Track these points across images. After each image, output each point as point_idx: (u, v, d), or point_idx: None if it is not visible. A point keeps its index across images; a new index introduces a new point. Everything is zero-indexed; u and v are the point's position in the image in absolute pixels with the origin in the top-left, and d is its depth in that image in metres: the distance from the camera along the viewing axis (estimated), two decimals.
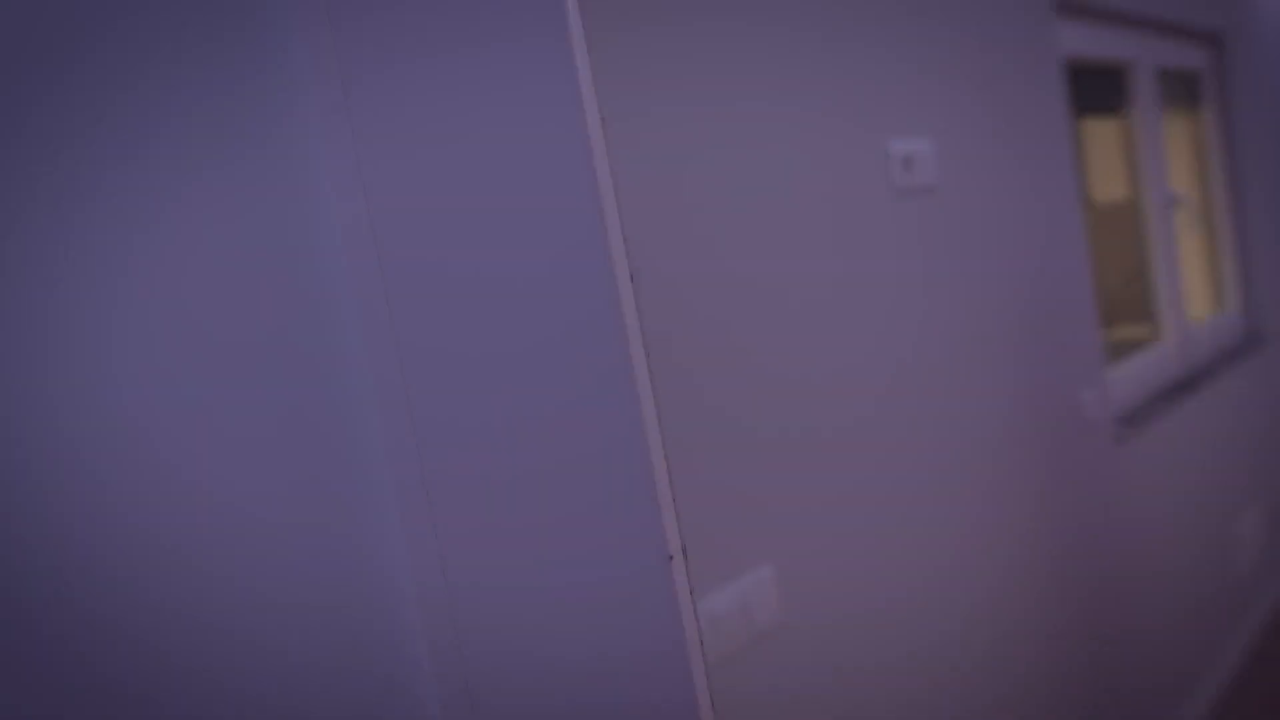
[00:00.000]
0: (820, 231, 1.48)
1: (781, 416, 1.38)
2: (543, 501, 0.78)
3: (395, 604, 0.86)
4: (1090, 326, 2.24)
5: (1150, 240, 2.75)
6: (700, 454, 1.26)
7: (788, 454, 1.38)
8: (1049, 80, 2.16)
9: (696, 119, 1.29)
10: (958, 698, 1.66)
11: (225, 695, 0.73)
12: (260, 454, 0.77)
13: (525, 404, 0.75)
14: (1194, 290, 3.07)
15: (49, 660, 0.64)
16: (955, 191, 1.81)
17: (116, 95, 0.72)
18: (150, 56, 0.74)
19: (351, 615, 0.82)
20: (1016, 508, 1.89)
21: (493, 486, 0.79)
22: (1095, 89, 2.69)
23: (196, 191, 0.74)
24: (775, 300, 1.39)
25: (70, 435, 0.66)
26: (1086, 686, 2.05)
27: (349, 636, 0.82)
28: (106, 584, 0.67)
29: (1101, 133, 2.78)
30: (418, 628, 0.87)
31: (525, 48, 0.70)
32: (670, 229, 1.25)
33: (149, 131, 0.73)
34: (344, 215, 0.83)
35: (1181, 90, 3.09)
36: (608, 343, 0.70)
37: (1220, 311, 3.18)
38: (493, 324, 0.76)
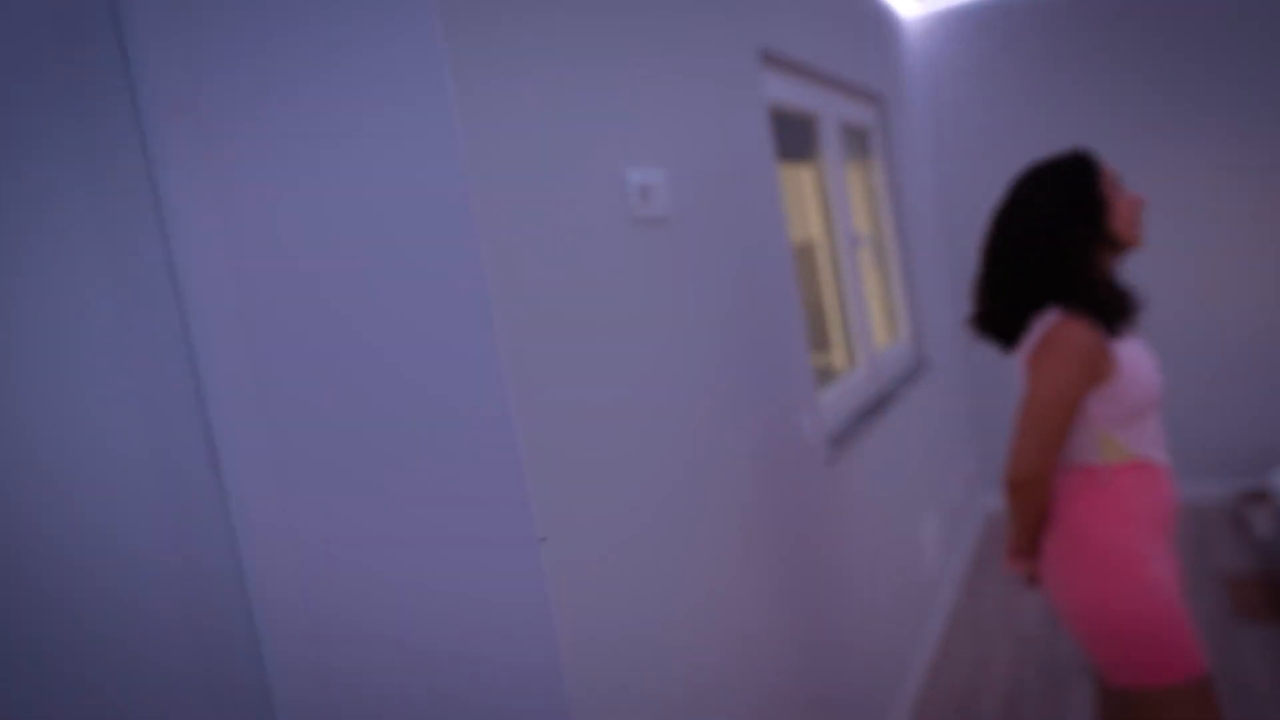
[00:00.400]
0: (561, 257, 1.41)
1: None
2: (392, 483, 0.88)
3: (245, 573, 0.88)
4: (803, 354, 2.38)
5: (841, 276, 3.00)
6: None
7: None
8: (759, 124, 2.27)
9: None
10: (674, 713, 1.63)
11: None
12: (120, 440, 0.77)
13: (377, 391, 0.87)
14: (875, 322, 3.40)
15: None
16: (687, 222, 1.83)
17: None
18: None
19: (203, 588, 0.83)
20: (747, 534, 1.92)
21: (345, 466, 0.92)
22: (789, 138, 2.91)
23: (64, 204, 0.75)
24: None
25: None
26: (804, 696, 2.13)
27: (207, 613, 0.85)
28: None
29: (791, 178, 3.01)
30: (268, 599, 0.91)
31: None
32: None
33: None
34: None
35: (852, 144, 3.45)
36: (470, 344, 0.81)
37: (894, 341, 3.55)
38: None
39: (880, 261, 3.52)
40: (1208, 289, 3.92)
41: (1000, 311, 1.75)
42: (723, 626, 1.74)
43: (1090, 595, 1.65)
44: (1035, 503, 1.69)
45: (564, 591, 1.26)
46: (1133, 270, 3.90)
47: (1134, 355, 1.65)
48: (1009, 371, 4.17)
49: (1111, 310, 1.65)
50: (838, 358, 3.09)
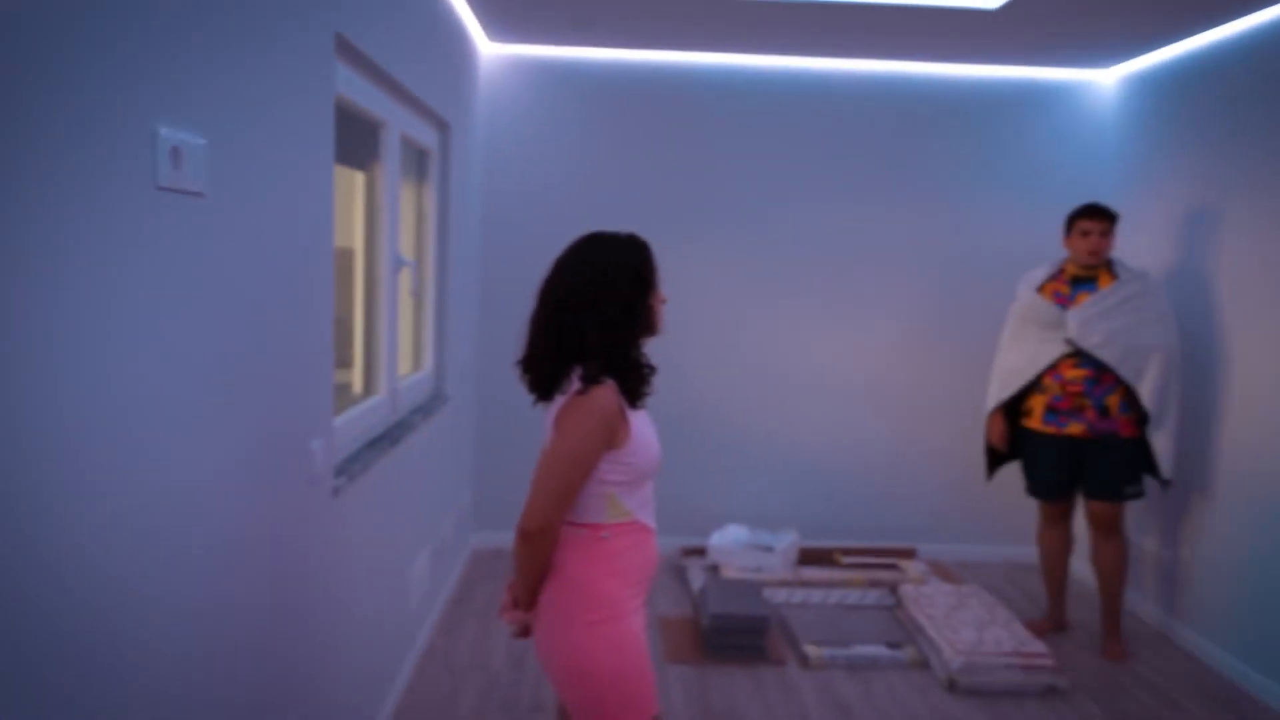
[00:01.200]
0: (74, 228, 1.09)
1: None
2: None
3: None
4: (326, 373, 2.18)
5: (376, 297, 2.85)
6: None
7: None
8: (323, 117, 2.07)
9: None
10: None
11: None
12: None
13: None
14: (401, 348, 3.29)
15: None
16: (224, 201, 1.57)
17: None
18: None
19: None
20: (227, 553, 1.68)
21: None
22: (349, 140, 2.71)
23: None
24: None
25: None
26: None
27: None
28: None
29: (343, 181, 2.81)
30: None
31: None
32: None
33: None
34: None
35: (414, 162, 3.35)
36: None
37: (417, 370, 3.48)
38: None
39: (419, 287, 3.44)
40: (674, 368, 4.52)
41: (547, 364, 1.78)
42: (183, 639, 1.47)
43: (581, 643, 1.73)
44: (542, 553, 1.74)
45: None
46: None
47: (643, 425, 1.79)
48: (514, 414, 4.34)
49: (637, 382, 1.77)
50: (356, 379, 2.92)
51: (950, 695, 3.20)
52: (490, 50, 4.26)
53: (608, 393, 1.70)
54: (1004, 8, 3.30)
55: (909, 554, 4.54)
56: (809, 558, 4.40)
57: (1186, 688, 3.30)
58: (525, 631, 1.86)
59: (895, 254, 4.48)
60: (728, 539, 4.27)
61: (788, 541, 4.24)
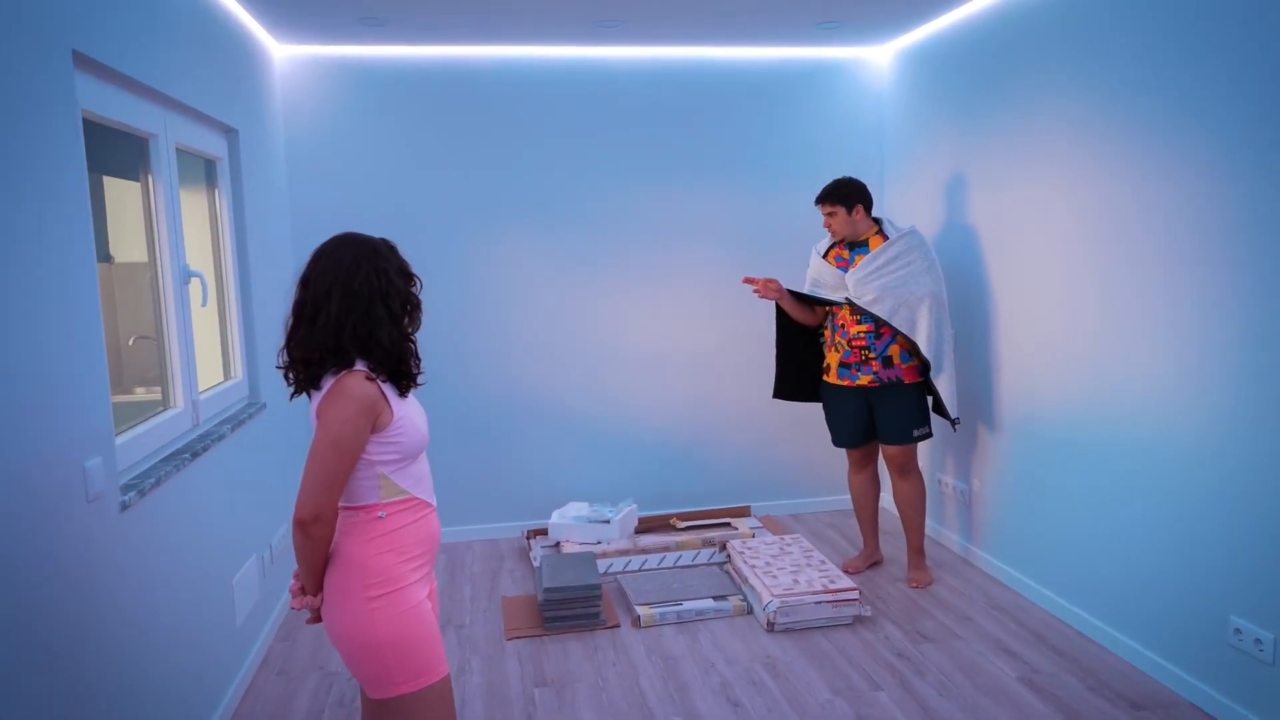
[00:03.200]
0: None
1: None
2: None
3: None
4: (102, 390, 2.18)
5: (165, 309, 2.83)
6: None
7: None
8: (68, 129, 2.05)
9: None
10: None
11: None
12: None
13: None
14: (206, 358, 3.26)
15: None
16: None
17: None
18: None
19: None
20: (2, 582, 1.68)
21: None
22: (120, 151, 2.67)
23: None
24: None
25: None
26: None
27: None
28: None
29: (123, 194, 2.76)
30: None
31: None
32: None
33: None
34: None
35: (202, 171, 3.31)
36: None
37: (228, 379, 3.45)
38: None
39: (218, 296, 3.41)
40: (502, 357, 4.62)
41: (307, 359, 1.85)
42: None
43: (362, 619, 1.83)
44: (319, 540, 1.81)
45: None
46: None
47: (408, 409, 1.90)
48: None
49: (400, 372, 1.88)
50: (157, 393, 2.89)
51: (769, 636, 3.45)
52: (283, 52, 4.22)
53: (360, 379, 1.80)
54: None
55: (743, 513, 4.81)
56: (648, 525, 4.59)
57: (978, 604, 3.66)
58: (317, 617, 1.93)
59: (701, 230, 4.70)
60: (567, 516, 4.41)
61: (624, 511, 4.41)
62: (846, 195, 3.77)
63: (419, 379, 1.96)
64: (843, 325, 3.81)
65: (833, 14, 3.90)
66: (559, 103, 4.49)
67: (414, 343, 1.95)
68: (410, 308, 1.91)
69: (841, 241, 3.86)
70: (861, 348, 3.77)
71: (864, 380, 3.79)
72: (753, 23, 4.00)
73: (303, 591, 1.91)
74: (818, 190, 4.61)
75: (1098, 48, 3.13)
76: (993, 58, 3.76)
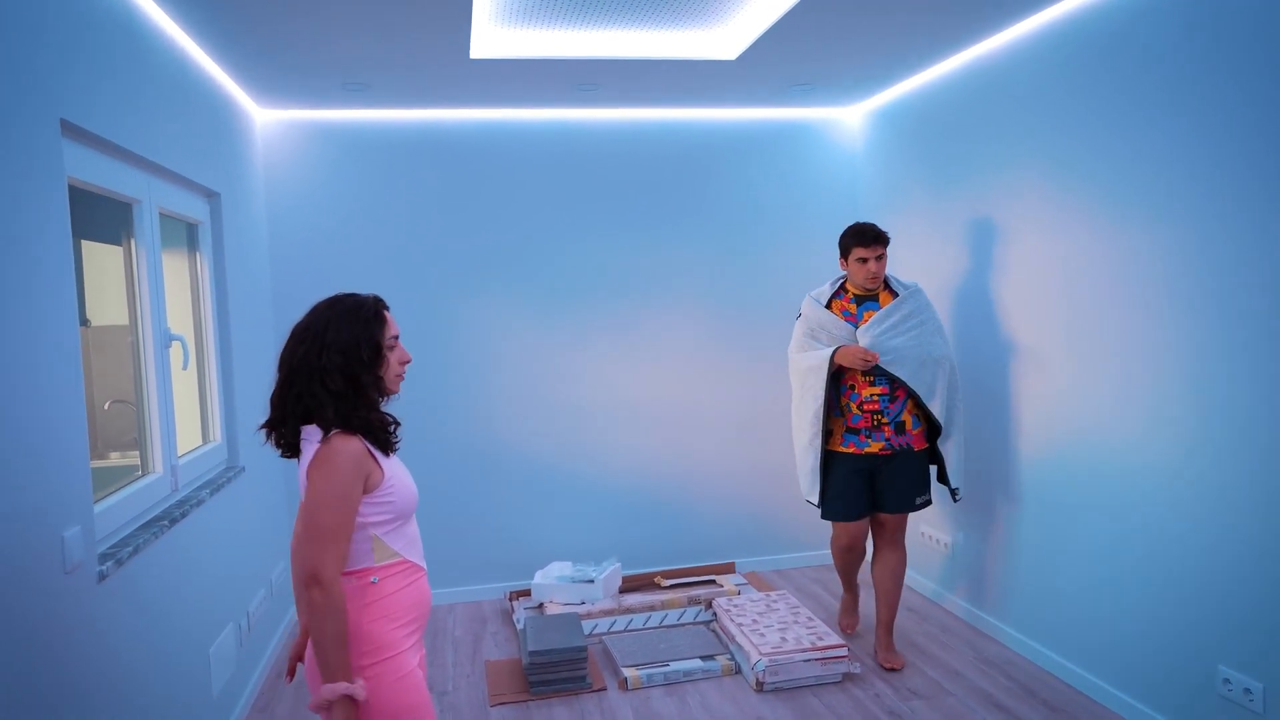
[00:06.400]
0: None
1: None
2: None
3: None
4: (82, 458, 2.14)
5: (145, 373, 2.80)
6: None
7: None
8: (55, 197, 2.06)
9: None
10: None
11: None
12: None
13: None
14: (184, 421, 3.22)
15: None
16: None
17: None
18: None
19: None
20: None
21: None
22: (100, 216, 2.67)
23: None
24: None
25: None
26: None
27: None
28: None
29: (100, 257, 2.75)
30: None
31: None
32: None
33: None
34: None
35: (184, 234, 3.31)
36: None
37: (207, 442, 3.41)
38: None
39: (198, 359, 3.38)
40: (484, 414, 4.60)
41: (289, 421, 1.84)
42: None
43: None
44: (320, 607, 1.72)
45: None
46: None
47: (396, 466, 1.89)
48: None
49: (379, 434, 1.86)
50: (134, 458, 2.85)
51: (759, 695, 3.40)
52: (265, 116, 4.25)
53: (348, 440, 1.78)
54: (740, 58, 3.62)
55: (728, 569, 4.77)
56: (633, 584, 4.54)
57: (966, 658, 3.63)
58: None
59: (681, 285, 4.75)
60: (550, 576, 4.36)
61: (608, 571, 4.37)
62: (887, 239, 3.49)
63: (395, 444, 1.93)
64: (852, 387, 3.47)
65: (804, 77, 4.01)
66: (540, 163, 4.55)
67: (375, 410, 1.86)
68: (357, 386, 1.82)
69: (848, 294, 3.55)
70: (874, 412, 3.45)
71: (874, 447, 3.48)
72: (728, 86, 4.10)
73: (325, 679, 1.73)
74: (796, 242, 4.61)
75: (1058, 110, 3.24)
76: (959, 118, 3.87)
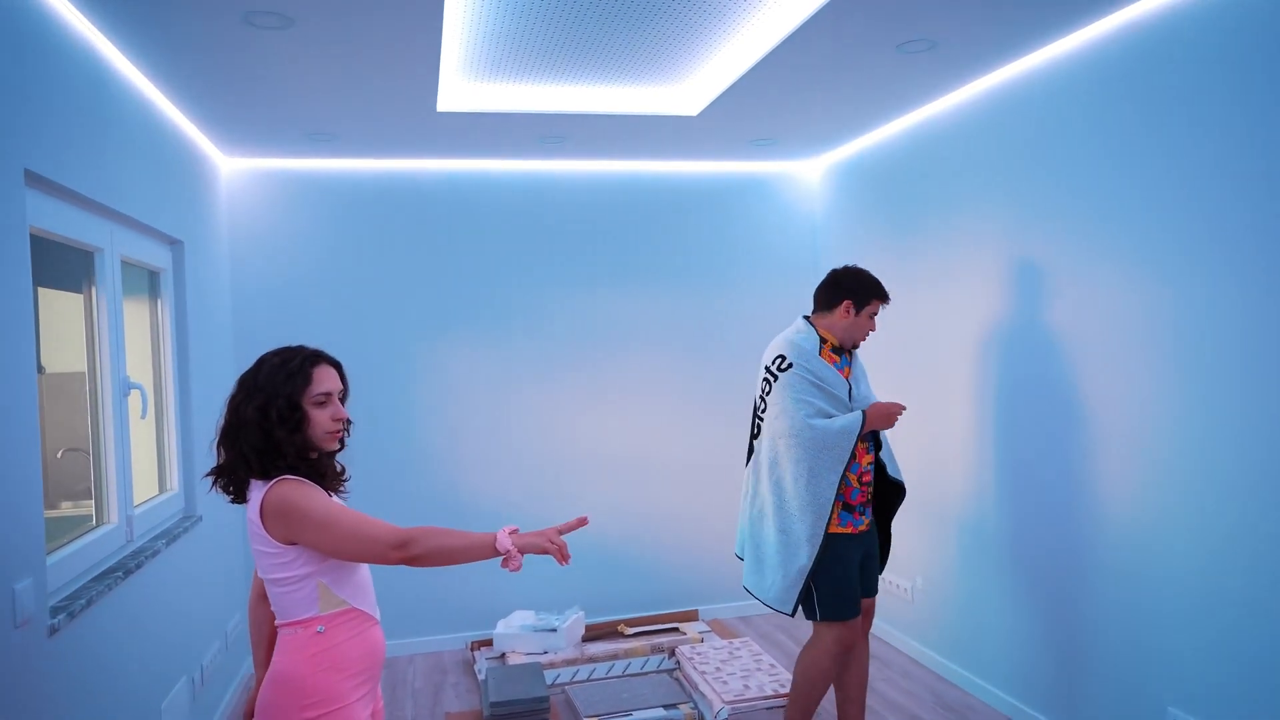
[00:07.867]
0: None
1: None
2: None
3: None
4: (35, 508, 2.11)
5: (103, 422, 2.77)
6: None
7: None
8: (17, 246, 2.06)
9: None
10: None
11: None
12: None
13: None
14: (141, 470, 3.18)
15: None
16: None
17: None
18: None
19: None
20: None
21: None
22: (60, 263, 2.66)
23: None
24: None
25: None
26: None
27: None
28: None
29: (56, 303, 2.74)
30: None
31: None
32: None
33: None
34: None
35: (145, 281, 3.29)
36: None
37: (163, 491, 3.36)
38: None
39: (157, 407, 3.35)
40: (450, 461, 4.59)
41: (234, 469, 1.85)
42: None
43: None
44: (429, 546, 1.76)
45: None
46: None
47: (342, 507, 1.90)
48: None
49: (324, 481, 1.88)
50: (87, 508, 2.80)
51: None
52: (230, 165, 4.27)
53: (294, 481, 1.81)
54: (702, 114, 3.72)
55: (691, 616, 4.76)
56: (596, 633, 4.51)
57: (926, 703, 3.65)
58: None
59: (644, 335, 4.80)
60: (513, 625, 4.32)
61: (571, 619, 4.34)
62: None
63: (342, 489, 1.96)
64: (853, 455, 2.91)
65: (764, 132, 4.12)
66: (506, 214, 4.61)
67: (304, 463, 1.85)
68: (270, 442, 1.81)
69: (827, 344, 3.00)
70: (869, 483, 3.00)
71: (864, 525, 2.99)
72: (690, 140, 4.20)
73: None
74: (760, 291, 4.67)
75: (1007, 163, 3.37)
76: (914, 172, 4.01)
